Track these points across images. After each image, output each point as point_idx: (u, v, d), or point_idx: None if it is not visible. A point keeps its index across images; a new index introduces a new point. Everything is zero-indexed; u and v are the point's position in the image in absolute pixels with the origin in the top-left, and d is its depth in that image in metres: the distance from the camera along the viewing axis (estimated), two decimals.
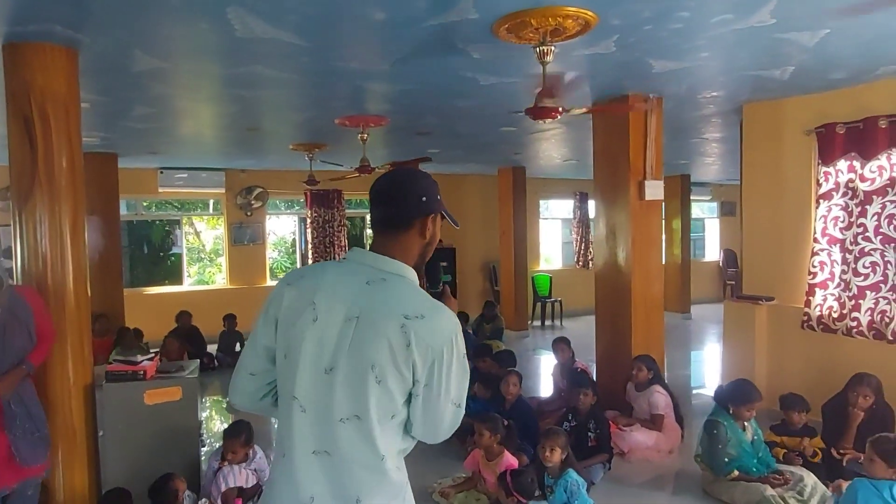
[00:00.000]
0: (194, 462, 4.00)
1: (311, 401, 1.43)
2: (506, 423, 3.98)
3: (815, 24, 3.58)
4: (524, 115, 3.68)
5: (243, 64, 4.17)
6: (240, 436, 3.80)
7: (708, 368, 8.37)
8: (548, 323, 11.11)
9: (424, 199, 1.55)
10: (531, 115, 3.52)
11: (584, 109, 3.88)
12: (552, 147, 8.35)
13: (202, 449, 4.49)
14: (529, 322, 10.66)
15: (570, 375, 4.88)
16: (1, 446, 3.03)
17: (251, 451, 3.86)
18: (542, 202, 12.37)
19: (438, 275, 1.78)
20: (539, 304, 11.23)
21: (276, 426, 1.58)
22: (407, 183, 1.57)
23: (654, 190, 5.10)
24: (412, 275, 1.54)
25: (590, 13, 3.27)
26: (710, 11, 3.34)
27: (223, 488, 3.65)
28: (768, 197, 5.59)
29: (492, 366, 5.55)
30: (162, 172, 9.46)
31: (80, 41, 3.62)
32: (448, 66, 4.26)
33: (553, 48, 3.48)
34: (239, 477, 3.72)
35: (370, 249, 1.54)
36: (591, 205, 12.18)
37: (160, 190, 9.63)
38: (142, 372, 3.88)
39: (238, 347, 8.57)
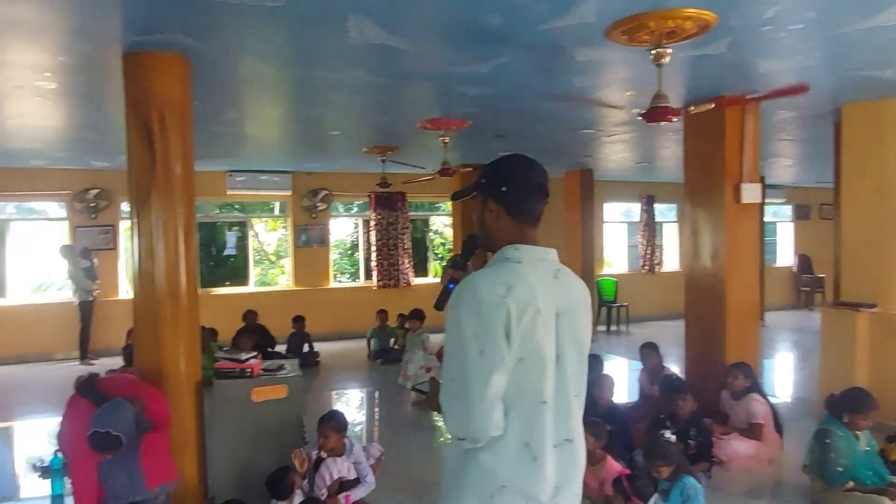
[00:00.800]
0: None
1: (555, 398, 1.53)
2: (609, 428, 3.93)
3: None
4: (599, 117, 3.60)
5: (344, 69, 4.24)
6: (330, 421, 3.86)
7: (783, 377, 8.13)
8: (613, 328, 10.96)
9: None
10: (646, 118, 3.46)
11: (710, 105, 3.76)
12: (625, 149, 8.24)
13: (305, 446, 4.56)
14: (595, 327, 10.55)
15: (663, 381, 4.79)
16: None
17: (347, 443, 3.91)
18: (605, 205, 12.20)
19: (475, 250, 1.81)
20: (604, 309, 11.08)
21: (507, 433, 1.50)
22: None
23: (752, 192, 4.96)
24: None
25: (710, 14, 3.22)
26: (837, 11, 3.25)
27: (328, 480, 3.70)
28: (869, 200, 5.38)
29: None
30: (230, 175, 9.65)
31: (196, 49, 3.72)
32: (548, 68, 4.24)
33: (668, 50, 3.44)
34: (342, 468, 3.77)
35: (528, 244, 1.60)
36: (658, 208, 12.06)
37: (228, 192, 9.78)
38: (249, 370, 3.97)
39: (306, 348, 8.65)
